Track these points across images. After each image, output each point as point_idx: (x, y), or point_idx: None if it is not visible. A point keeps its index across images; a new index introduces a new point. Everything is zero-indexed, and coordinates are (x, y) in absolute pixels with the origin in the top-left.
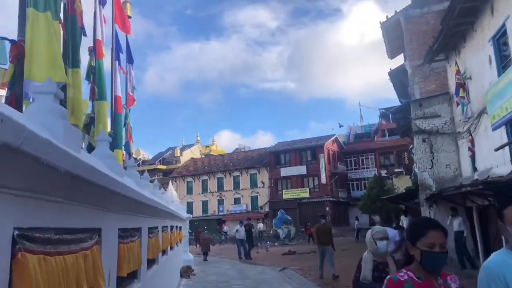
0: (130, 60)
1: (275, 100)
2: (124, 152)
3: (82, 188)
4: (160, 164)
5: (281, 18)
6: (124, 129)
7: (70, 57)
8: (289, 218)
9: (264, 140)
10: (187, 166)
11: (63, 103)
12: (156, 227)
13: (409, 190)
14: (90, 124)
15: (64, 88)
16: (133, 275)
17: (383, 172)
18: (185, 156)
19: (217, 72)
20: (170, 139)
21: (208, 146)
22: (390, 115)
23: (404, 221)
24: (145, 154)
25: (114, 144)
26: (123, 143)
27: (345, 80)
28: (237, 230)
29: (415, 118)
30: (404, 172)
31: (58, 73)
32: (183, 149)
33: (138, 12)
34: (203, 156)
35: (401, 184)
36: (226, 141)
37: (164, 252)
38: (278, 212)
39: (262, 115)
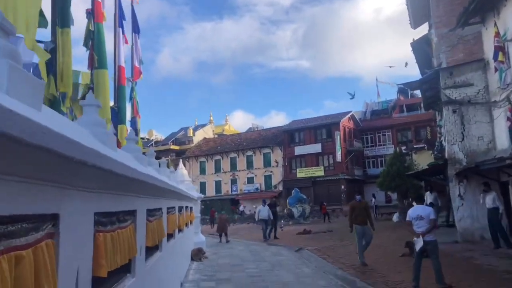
0: (136, 29)
1: (289, 79)
2: (130, 128)
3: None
4: (173, 144)
5: None
6: (130, 104)
7: (59, 15)
8: (304, 196)
9: (277, 120)
10: (200, 146)
11: (53, 67)
12: (159, 209)
13: (434, 165)
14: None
15: (53, 51)
16: (126, 269)
17: (402, 149)
18: (198, 136)
19: (230, 52)
20: (184, 120)
21: (221, 126)
22: (418, 85)
23: (429, 198)
24: (158, 135)
25: (118, 119)
26: (129, 118)
27: (361, 57)
28: (259, 211)
29: (445, 87)
30: (426, 148)
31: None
32: (196, 129)
33: None
34: (216, 136)
35: (422, 160)
36: (239, 121)
37: (171, 236)
38: (293, 191)
39: (275, 95)
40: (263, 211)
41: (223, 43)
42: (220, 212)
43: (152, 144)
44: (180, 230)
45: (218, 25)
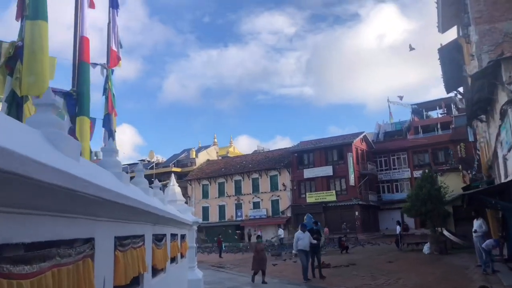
0: (114, 3)
1: (293, 106)
2: (103, 129)
3: None
4: (174, 166)
5: (298, 24)
6: (104, 97)
7: None
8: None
9: (282, 145)
10: (202, 168)
11: None
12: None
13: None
14: (14, 60)
15: None
16: None
17: (417, 173)
18: (201, 158)
19: (235, 79)
20: (187, 143)
21: (226, 148)
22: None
23: (476, 224)
24: (159, 157)
25: (76, 108)
26: (103, 115)
27: (364, 84)
28: (298, 239)
29: (510, 82)
30: (460, 167)
31: None
32: (198, 150)
33: (157, 19)
34: (220, 158)
35: (450, 182)
36: (244, 146)
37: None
38: (305, 217)
39: (280, 121)
40: (304, 239)
41: (228, 70)
42: (258, 240)
43: (153, 166)
44: (160, 269)
45: (223, 53)
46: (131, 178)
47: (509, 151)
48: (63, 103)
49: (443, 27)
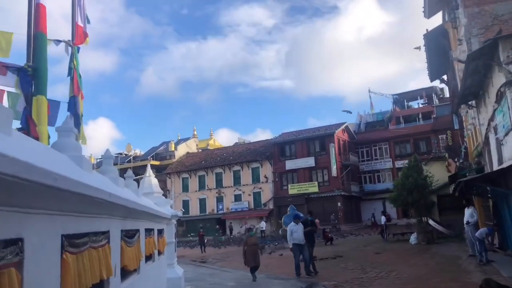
0: None
1: (273, 98)
2: (69, 114)
3: None
4: (153, 159)
5: (278, 16)
6: (69, 78)
7: None
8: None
9: (263, 138)
10: (182, 161)
11: None
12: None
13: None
14: None
15: None
16: None
17: (399, 163)
18: (180, 151)
19: (215, 72)
20: (166, 136)
21: (206, 141)
22: (466, 65)
23: (467, 213)
24: (137, 150)
25: (32, 86)
26: (68, 98)
27: (343, 77)
28: (292, 231)
29: (508, 62)
30: (446, 156)
31: None
32: (178, 143)
33: (134, 11)
34: (200, 150)
35: (435, 172)
36: (225, 139)
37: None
38: (288, 208)
39: (260, 113)
40: (298, 231)
41: (208, 62)
42: (248, 232)
43: (130, 159)
44: (132, 271)
45: (202, 45)
46: None
47: (506, 135)
48: (16, 81)
49: (429, 12)
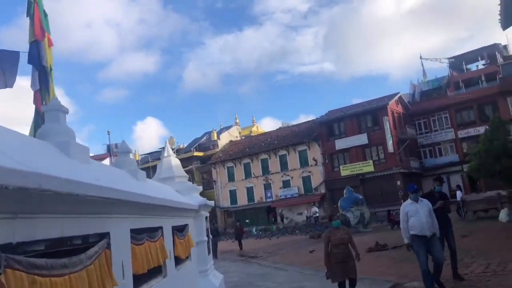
0: None
1: (315, 83)
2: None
3: None
4: (196, 151)
5: None
6: (28, 18)
7: None
8: (360, 197)
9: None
10: (226, 150)
11: None
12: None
13: None
14: None
15: None
16: None
17: (462, 133)
18: (223, 140)
19: (253, 62)
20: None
21: (248, 128)
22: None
23: None
24: (181, 144)
25: None
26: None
27: (386, 53)
28: (408, 215)
29: None
30: None
31: None
32: (220, 132)
33: (171, 9)
34: (243, 137)
35: None
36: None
37: None
38: (345, 191)
39: (302, 99)
40: (419, 214)
41: (246, 53)
42: (334, 223)
43: (174, 153)
44: None
45: (238, 37)
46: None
47: None
48: None
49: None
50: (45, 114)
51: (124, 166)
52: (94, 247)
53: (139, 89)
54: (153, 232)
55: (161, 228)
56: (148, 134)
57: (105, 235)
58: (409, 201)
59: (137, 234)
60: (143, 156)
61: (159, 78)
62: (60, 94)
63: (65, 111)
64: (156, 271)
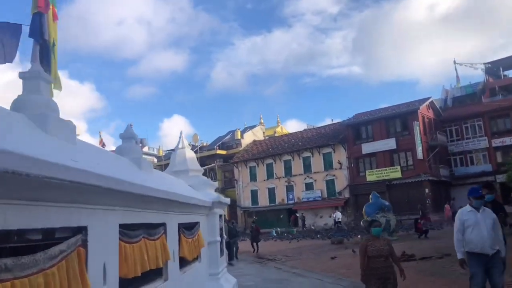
0: None
1: (342, 86)
2: (33, 42)
3: None
4: (219, 149)
5: (343, 2)
6: None
7: None
8: (387, 203)
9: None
10: (249, 149)
11: None
12: None
13: None
14: None
15: None
16: None
17: (496, 141)
18: (247, 139)
19: (281, 64)
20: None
21: (273, 128)
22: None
23: None
24: (205, 142)
25: None
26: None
27: (416, 59)
28: (464, 225)
29: None
30: None
31: None
32: (244, 131)
33: (202, 9)
34: (267, 138)
35: None
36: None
37: None
38: (370, 196)
39: (329, 102)
40: (479, 226)
41: (273, 55)
42: (374, 230)
43: (197, 150)
44: None
45: (267, 38)
46: None
47: None
48: None
49: None
50: (23, 83)
51: (126, 154)
52: (60, 245)
53: (167, 87)
54: (153, 229)
55: (164, 225)
56: (174, 132)
57: (80, 230)
58: (468, 207)
59: (130, 231)
60: (167, 152)
61: (187, 76)
62: (90, 89)
63: (48, 80)
64: (155, 273)
